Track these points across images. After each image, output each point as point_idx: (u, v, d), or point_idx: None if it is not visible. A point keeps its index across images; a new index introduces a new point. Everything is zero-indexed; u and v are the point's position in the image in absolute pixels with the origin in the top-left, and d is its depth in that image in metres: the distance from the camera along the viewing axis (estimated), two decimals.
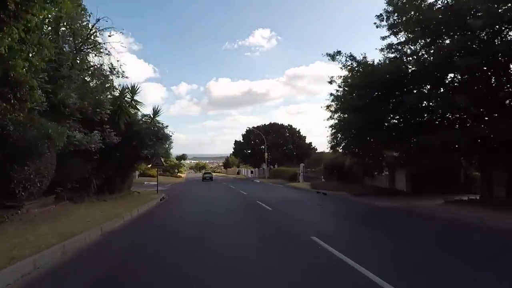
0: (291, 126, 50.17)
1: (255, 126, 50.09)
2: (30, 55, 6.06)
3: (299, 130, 49.85)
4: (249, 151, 50.87)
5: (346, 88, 14.98)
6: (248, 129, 51.51)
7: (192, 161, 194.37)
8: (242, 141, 51.48)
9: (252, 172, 55.23)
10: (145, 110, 13.88)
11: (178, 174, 64.77)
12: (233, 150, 52.73)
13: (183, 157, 65.85)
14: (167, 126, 14.64)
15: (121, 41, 18.06)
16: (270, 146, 49.30)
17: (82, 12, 11.16)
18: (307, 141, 49.94)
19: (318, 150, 50.19)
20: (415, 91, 12.43)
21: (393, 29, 12.69)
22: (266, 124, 49.71)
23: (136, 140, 13.23)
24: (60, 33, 9.94)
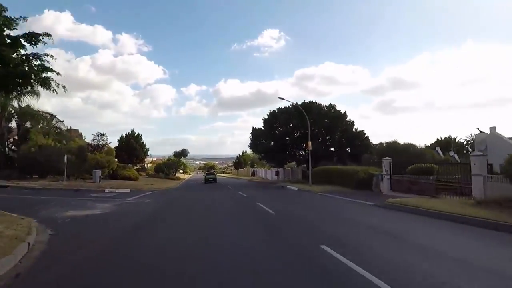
0: (335, 107, 34.44)
1: (288, 106, 34.36)
2: None
3: (345, 112, 34.05)
4: (272, 143, 35.36)
5: None
6: (272, 111, 35.81)
7: (202, 162, 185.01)
8: (263, 128, 35.89)
9: (277, 173, 39.53)
10: None
11: (176, 175, 49.66)
12: (250, 142, 37.18)
13: (183, 153, 50.77)
14: None
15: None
16: (305, 135, 33.81)
17: None
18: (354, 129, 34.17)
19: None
20: None
21: None
22: (299, 103, 34.05)
23: None
24: None
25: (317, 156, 32.41)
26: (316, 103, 34.71)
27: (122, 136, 48.59)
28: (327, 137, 34.42)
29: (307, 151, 36.21)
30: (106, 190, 21.55)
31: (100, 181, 24.46)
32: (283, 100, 32.81)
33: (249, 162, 76.42)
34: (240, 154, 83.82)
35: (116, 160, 46.72)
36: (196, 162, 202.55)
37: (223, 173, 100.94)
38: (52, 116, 29.81)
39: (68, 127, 49.02)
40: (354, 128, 33.87)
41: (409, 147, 25.17)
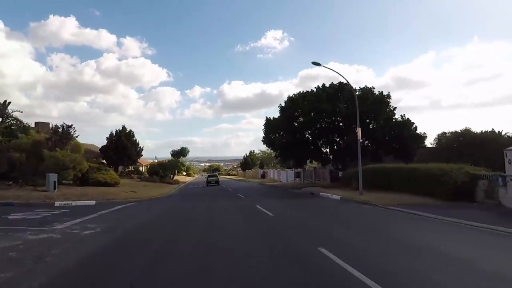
0: (372, 89, 26.87)
1: (311, 90, 26.75)
2: None
3: (388, 94, 26.44)
4: (290, 137, 27.78)
5: None
6: (291, 96, 28.14)
7: (207, 164, 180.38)
8: (278, 117, 28.34)
9: (298, 174, 31.88)
10: None
11: (175, 178, 42.34)
12: (263, 136, 29.62)
13: (181, 153, 43.39)
14: None
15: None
16: (333, 125, 26.54)
17: None
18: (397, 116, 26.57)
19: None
20: None
21: None
22: (326, 85, 26.51)
23: None
24: None
25: (349, 153, 24.84)
26: (348, 84, 27.09)
27: (111, 133, 41.34)
28: (377, 126, 26.36)
29: (334, 147, 28.79)
30: (56, 204, 14.30)
31: (55, 188, 17.18)
32: (316, 67, 25.27)
33: (258, 162, 69.00)
34: (247, 154, 76.39)
35: (104, 161, 39.77)
36: (201, 164, 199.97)
37: (229, 175, 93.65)
38: (6, 104, 22.66)
39: (47, 123, 42.06)
40: (399, 115, 26.17)
41: (497, 137, 17.49)
